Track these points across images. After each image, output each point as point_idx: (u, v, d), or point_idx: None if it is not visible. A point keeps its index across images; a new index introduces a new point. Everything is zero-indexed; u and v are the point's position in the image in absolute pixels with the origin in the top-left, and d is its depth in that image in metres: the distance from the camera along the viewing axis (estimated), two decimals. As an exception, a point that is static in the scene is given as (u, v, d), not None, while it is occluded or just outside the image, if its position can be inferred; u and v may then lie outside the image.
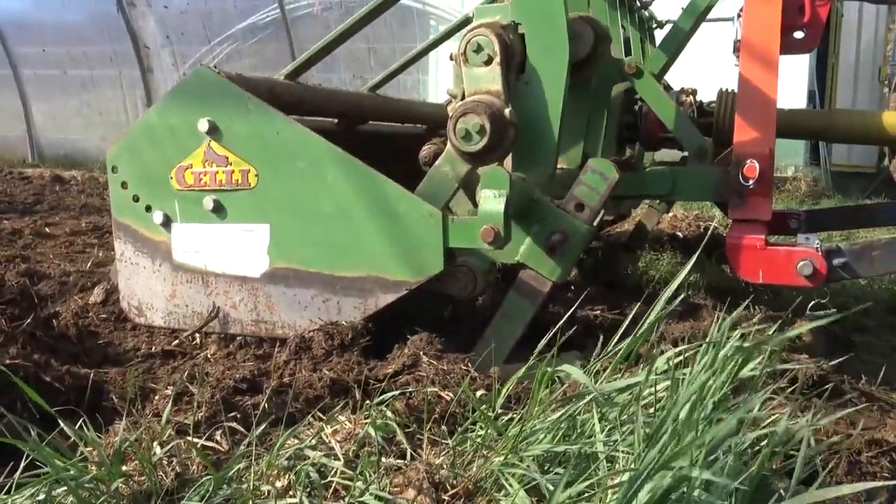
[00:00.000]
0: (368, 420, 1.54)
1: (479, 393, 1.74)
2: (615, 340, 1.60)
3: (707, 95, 3.33)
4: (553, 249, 2.05)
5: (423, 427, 1.57)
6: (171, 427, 1.56)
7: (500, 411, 1.60)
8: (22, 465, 1.31)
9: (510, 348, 2.06)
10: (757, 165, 2.31)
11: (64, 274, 3.03)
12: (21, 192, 7.21)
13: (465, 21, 2.21)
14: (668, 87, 3.68)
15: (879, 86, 10.45)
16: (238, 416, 1.67)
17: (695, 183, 2.77)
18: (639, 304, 2.53)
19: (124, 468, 1.38)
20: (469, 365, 1.88)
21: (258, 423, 1.56)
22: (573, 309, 1.95)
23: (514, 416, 1.53)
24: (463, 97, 2.08)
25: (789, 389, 1.70)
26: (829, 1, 2.55)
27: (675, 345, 1.61)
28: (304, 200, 2.10)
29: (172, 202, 2.24)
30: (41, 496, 1.26)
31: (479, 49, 2.04)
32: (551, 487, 1.21)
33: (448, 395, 1.72)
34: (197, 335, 2.31)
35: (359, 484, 1.32)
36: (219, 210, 2.19)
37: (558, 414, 1.42)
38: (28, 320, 2.22)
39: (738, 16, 2.44)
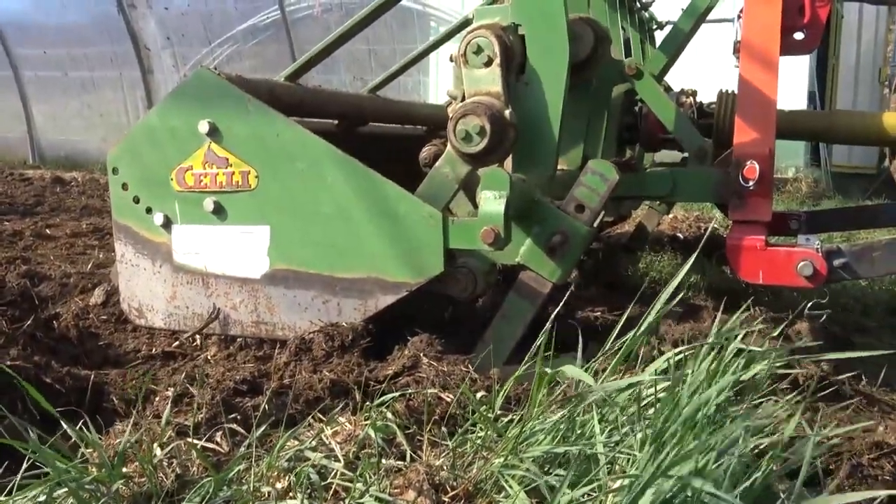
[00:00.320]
0: (368, 421, 1.55)
1: (479, 394, 1.74)
2: (612, 340, 1.60)
3: (707, 97, 3.33)
4: (553, 251, 2.05)
5: (424, 428, 1.57)
6: (171, 428, 1.56)
7: (499, 412, 1.60)
8: (23, 466, 1.31)
9: (510, 350, 2.07)
10: (757, 166, 2.31)
11: (64, 275, 3.03)
12: (22, 194, 7.22)
13: (466, 22, 2.21)
14: (668, 89, 3.69)
15: (880, 87, 10.45)
16: (238, 417, 1.67)
17: (695, 184, 2.77)
18: (637, 304, 2.54)
19: (125, 469, 1.39)
20: (469, 366, 1.88)
21: (258, 425, 1.56)
22: (558, 306, 1.95)
23: (514, 417, 1.53)
24: (463, 99, 2.09)
25: (790, 391, 1.70)
26: (829, 2, 2.55)
27: (676, 346, 1.61)
28: (304, 202, 2.10)
29: (173, 204, 2.25)
30: (42, 497, 1.26)
31: (479, 50, 2.04)
32: (555, 485, 1.21)
33: (448, 396, 1.72)
34: (197, 337, 2.31)
35: (359, 485, 1.32)
36: (219, 211, 2.20)
37: (558, 415, 1.42)
38: (29, 322, 2.22)
39: (739, 17, 2.44)
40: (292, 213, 2.12)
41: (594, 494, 1.18)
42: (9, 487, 1.30)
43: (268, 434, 1.59)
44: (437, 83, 9.92)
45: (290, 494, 1.33)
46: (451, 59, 2.19)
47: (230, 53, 11.08)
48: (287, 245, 2.14)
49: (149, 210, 2.28)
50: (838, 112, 5.41)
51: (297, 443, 1.49)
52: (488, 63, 2.04)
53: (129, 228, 2.33)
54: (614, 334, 1.59)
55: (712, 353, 1.43)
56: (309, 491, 1.34)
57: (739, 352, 1.45)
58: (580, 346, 1.67)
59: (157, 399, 1.80)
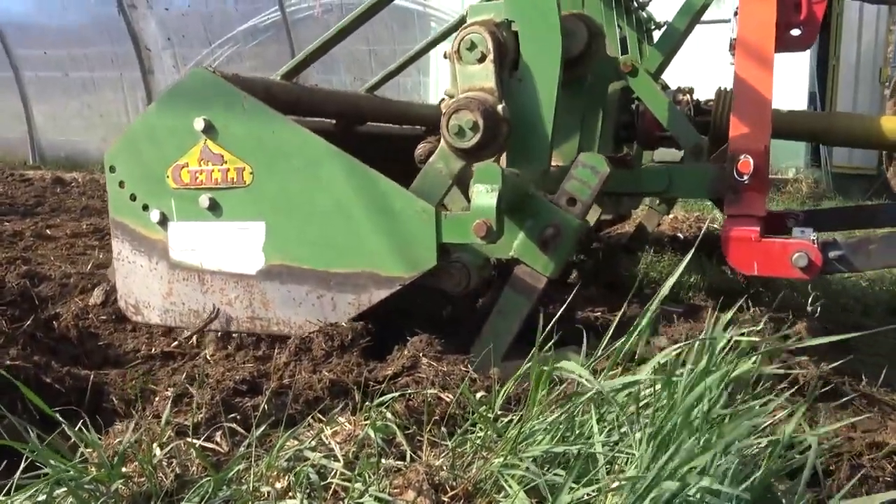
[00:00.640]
0: (368, 421, 1.55)
1: (478, 394, 1.74)
2: (607, 340, 1.60)
3: (706, 97, 3.33)
4: (546, 244, 2.06)
5: (423, 428, 1.57)
6: (170, 428, 1.56)
7: (499, 412, 1.60)
8: (21, 466, 1.31)
9: (508, 345, 2.07)
10: (751, 161, 2.32)
11: (64, 276, 3.03)
12: (22, 194, 7.22)
13: (463, 21, 2.22)
14: (665, 87, 3.69)
15: (880, 87, 10.45)
16: (238, 417, 1.67)
17: (691, 179, 2.78)
18: (636, 304, 2.54)
19: (124, 469, 1.38)
20: (469, 366, 1.88)
21: (258, 425, 1.56)
22: (561, 308, 1.95)
23: (514, 417, 1.53)
24: None
25: (789, 391, 1.70)
26: None
27: (673, 344, 1.60)
28: (298, 198, 2.11)
29: (169, 201, 2.26)
30: (41, 497, 1.26)
31: (472, 46, 2.05)
32: (558, 482, 1.21)
33: (448, 396, 1.72)
34: (195, 337, 2.31)
35: (358, 485, 1.32)
36: (214, 208, 2.21)
37: (557, 414, 1.41)
38: (28, 322, 2.22)
39: (735, 14, 2.45)
40: (287, 209, 2.13)
41: (594, 494, 1.18)
42: (8, 487, 1.30)
43: (267, 434, 1.59)
44: (437, 83, 9.92)
45: (290, 494, 1.33)
46: (446, 56, 2.20)
47: (230, 54, 11.09)
48: (282, 241, 2.15)
49: (145, 207, 2.29)
50: (837, 114, 5.41)
51: (296, 443, 1.49)
52: (482, 59, 2.05)
53: (125, 226, 2.33)
54: (610, 333, 1.59)
55: (706, 349, 1.43)
56: (308, 491, 1.34)
57: (734, 348, 1.44)
58: (584, 340, 1.67)
59: (156, 399, 1.80)
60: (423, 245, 2.00)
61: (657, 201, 4.24)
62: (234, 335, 2.28)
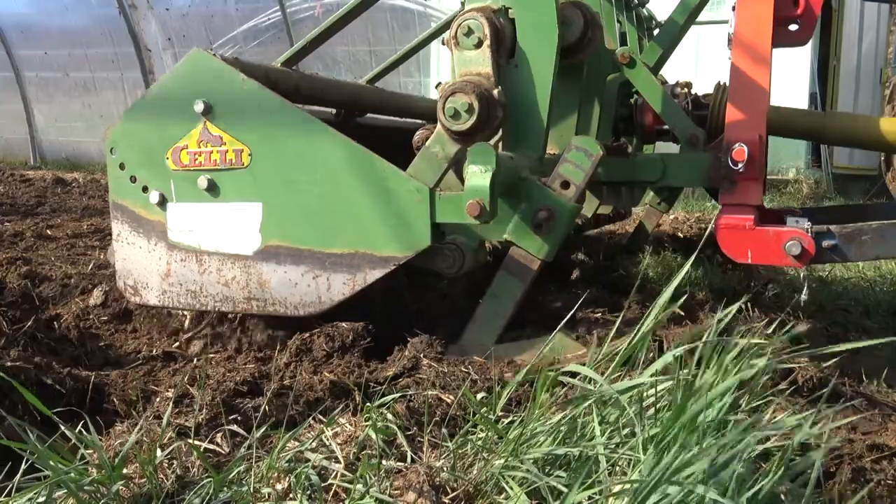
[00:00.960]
0: (369, 423, 1.55)
1: (479, 395, 1.74)
2: (610, 341, 1.60)
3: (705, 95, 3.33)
4: (540, 227, 2.07)
5: (424, 430, 1.57)
6: (171, 429, 1.56)
7: (500, 414, 1.60)
8: (22, 467, 1.31)
9: (501, 328, 2.08)
10: (746, 149, 2.33)
11: (65, 276, 3.03)
12: (23, 195, 7.23)
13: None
14: (664, 83, 3.69)
15: (881, 88, 10.45)
16: (239, 418, 1.67)
17: (686, 168, 2.79)
18: (638, 306, 2.53)
19: (125, 471, 1.38)
20: (470, 367, 1.88)
21: (259, 426, 1.56)
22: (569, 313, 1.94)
23: (515, 418, 1.53)
24: None
25: (790, 392, 1.70)
26: None
27: (675, 347, 1.60)
28: (295, 179, 2.12)
29: (168, 182, 2.26)
30: (41, 499, 1.26)
31: (469, 32, 2.07)
32: (558, 487, 1.21)
33: (449, 397, 1.72)
34: (195, 340, 2.31)
35: (359, 487, 1.32)
36: (213, 189, 2.21)
37: (559, 416, 1.41)
38: (29, 322, 2.22)
39: (733, 9, 2.46)
40: (284, 190, 2.14)
41: (596, 498, 1.18)
42: (8, 489, 1.30)
43: (268, 435, 1.59)
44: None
45: (291, 496, 1.33)
46: (444, 43, 2.21)
47: (231, 55, 11.08)
48: (279, 221, 2.16)
49: (145, 189, 2.29)
50: (834, 113, 5.42)
51: (297, 444, 1.49)
52: (478, 45, 2.06)
53: (125, 207, 2.34)
54: (610, 335, 1.59)
55: (713, 355, 1.43)
56: (309, 492, 1.34)
57: (740, 353, 1.44)
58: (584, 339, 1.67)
59: (157, 400, 1.80)
60: (417, 225, 2.01)
61: (657, 200, 4.24)
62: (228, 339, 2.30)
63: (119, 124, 2.33)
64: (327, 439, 1.51)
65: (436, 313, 2.37)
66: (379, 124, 3.35)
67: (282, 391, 1.81)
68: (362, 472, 1.36)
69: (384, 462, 1.43)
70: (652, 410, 1.36)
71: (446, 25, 3.55)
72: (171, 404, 1.66)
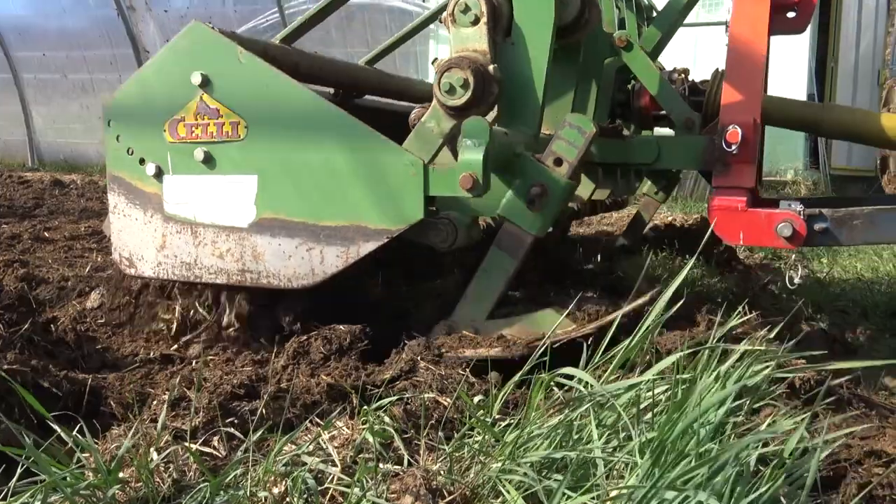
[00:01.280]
0: (366, 426, 1.54)
1: (476, 398, 1.74)
2: (606, 346, 1.60)
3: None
4: (533, 202, 2.08)
5: (421, 433, 1.57)
6: (168, 433, 1.56)
7: (497, 416, 1.60)
8: (18, 471, 1.31)
9: (493, 304, 2.09)
10: (740, 131, 2.34)
11: (62, 279, 3.03)
12: (21, 197, 7.22)
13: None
14: (661, 69, 3.71)
15: (879, 89, 10.46)
16: (235, 421, 1.66)
17: (680, 150, 2.80)
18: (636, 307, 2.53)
19: (121, 474, 1.38)
20: (467, 370, 1.87)
21: (255, 429, 1.55)
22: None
23: (512, 421, 1.53)
24: None
25: (788, 396, 1.70)
26: None
27: (672, 351, 1.60)
28: (291, 151, 2.13)
29: (165, 154, 2.26)
30: (37, 503, 1.26)
31: (466, 9, 2.08)
32: (552, 489, 1.20)
33: (446, 400, 1.72)
34: (194, 343, 2.31)
35: (356, 490, 1.32)
36: (209, 161, 2.21)
37: (556, 419, 1.41)
38: (26, 325, 2.21)
39: None
40: (280, 163, 2.14)
41: (593, 502, 1.17)
42: (4, 493, 1.30)
43: (265, 438, 1.58)
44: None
45: (287, 499, 1.33)
46: (441, 21, 2.21)
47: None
48: (274, 194, 2.16)
49: (142, 161, 2.29)
50: (832, 105, 5.42)
51: (294, 447, 1.49)
52: (475, 22, 2.07)
53: (122, 179, 2.33)
54: (607, 340, 1.58)
55: (712, 359, 1.43)
56: (306, 496, 1.33)
57: (740, 357, 1.44)
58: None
59: (154, 403, 1.80)
60: (410, 198, 2.02)
61: (654, 190, 4.24)
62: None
63: (116, 96, 2.32)
64: (324, 443, 1.51)
65: (432, 316, 2.37)
66: (378, 107, 3.32)
67: (279, 394, 1.81)
68: (359, 475, 1.36)
69: (381, 465, 1.43)
70: (650, 415, 1.36)
71: (443, 8, 3.55)
72: (167, 407, 1.66)
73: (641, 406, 1.39)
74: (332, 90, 2.97)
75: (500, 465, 1.33)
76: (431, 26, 9.94)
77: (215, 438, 1.59)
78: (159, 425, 1.55)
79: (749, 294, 3.09)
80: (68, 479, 1.30)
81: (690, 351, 1.50)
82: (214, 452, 1.56)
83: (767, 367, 1.43)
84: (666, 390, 1.42)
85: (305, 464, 1.42)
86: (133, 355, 2.30)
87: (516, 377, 1.61)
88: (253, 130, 2.15)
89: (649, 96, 3.19)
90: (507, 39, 2.18)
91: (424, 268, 2.89)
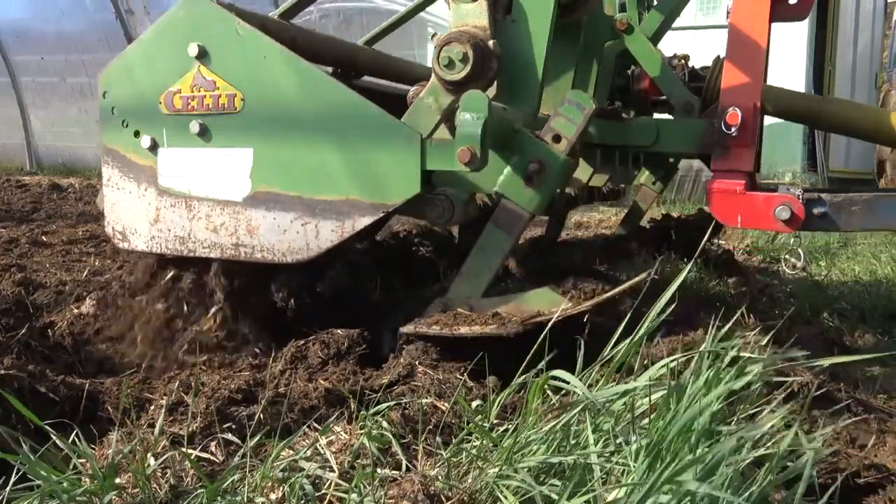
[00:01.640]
0: (364, 431, 1.54)
1: (474, 403, 1.73)
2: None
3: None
4: (531, 179, 2.06)
5: (419, 438, 1.57)
6: (165, 438, 1.56)
7: (495, 421, 1.60)
8: (13, 478, 1.30)
9: (488, 282, 2.07)
10: (739, 113, 2.33)
11: (60, 283, 3.03)
12: (18, 201, 7.22)
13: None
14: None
15: (876, 92, 10.48)
16: (233, 426, 1.66)
17: (679, 133, 2.80)
18: (634, 310, 2.53)
19: (118, 481, 1.38)
20: (465, 375, 1.87)
21: (253, 434, 1.55)
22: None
23: (510, 426, 1.53)
24: None
25: (786, 399, 1.69)
26: None
27: (669, 355, 1.60)
28: (287, 124, 2.11)
29: (160, 127, 2.24)
30: (33, 509, 1.26)
31: None
32: (550, 494, 1.20)
33: (444, 405, 1.72)
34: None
35: (354, 496, 1.32)
36: (204, 133, 2.19)
37: (552, 424, 1.41)
38: (23, 330, 2.21)
39: None
40: (275, 136, 2.12)
41: (590, 505, 1.17)
42: (0, 499, 1.29)
43: (262, 443, 1.58)
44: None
45: (284, 505, 1.32)
46: None
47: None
48: (269, 167, 2.14)
49: (136, 133, 2.27)
50: (833, 99, 5.42)
51: (291, 452, 1.49)
52: None
53: (116, 152, 2.31)
54: (610, 343, 1.58)
55: (707, 362, 1.43)
56: (303, 502, 1.33)
57: (735, 360, 1.44)
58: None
59: (151, 408, 1.79)
60: (407, 172, 2.00)
61: (652, 180, 4.24)
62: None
63: (112, 68, 2.30)
64: (322, 448, 1.50)
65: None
66: (376, 88, 3.30)
67: (276, 399, 1.80)
68: (357, 481, 1.36)
69: (379, 471, 1.43)
70: (647, 420, 1.36)
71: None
72: (164, 412, 1.65)
73: (639, 411, 1.39)
74: (329, 69, 2.96)
75: (497, 469, 1.33)
76: (430, 28, 9.95)
77: (213, 444, 1.59)
78: (156, 430, 1.55)
79: (747, 297, 3.09)
80: (65, 485, 1.29)
81: (687, 356, 1.50)
82: (212, 458, 1.55)
83: (763, 370, 1.43)
84: (661, 396, 1.41)
85: (303, 469, 1.42)
86: (130, 360, 2.29)
87: (516, 380, 1.60)
88: (250, 103, 2.13)
89: (649, 81, 3.18)
90: (508, 16, 2.16)
91: (424, 270, 2.89)
